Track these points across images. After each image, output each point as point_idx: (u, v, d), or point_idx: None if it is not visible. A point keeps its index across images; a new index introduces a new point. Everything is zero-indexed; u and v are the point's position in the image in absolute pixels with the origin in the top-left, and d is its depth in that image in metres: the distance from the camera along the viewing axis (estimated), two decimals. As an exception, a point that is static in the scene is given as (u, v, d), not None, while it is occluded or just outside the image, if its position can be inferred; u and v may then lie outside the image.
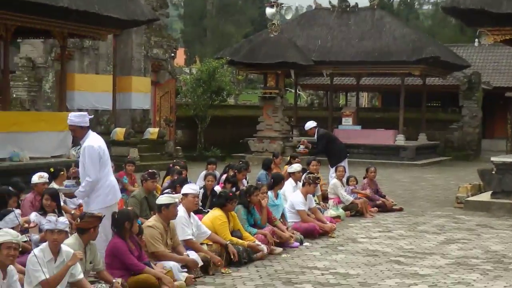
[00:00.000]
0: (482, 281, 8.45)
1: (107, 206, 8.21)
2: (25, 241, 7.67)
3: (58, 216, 7.04)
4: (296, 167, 13.30)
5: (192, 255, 8.44)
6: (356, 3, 30.00)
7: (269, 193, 11.07)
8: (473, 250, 10.44)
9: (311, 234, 11.20)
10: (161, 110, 27.04)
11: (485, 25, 14.87)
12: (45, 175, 10.32)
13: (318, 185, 12.86)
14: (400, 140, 27.81)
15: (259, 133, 27.80)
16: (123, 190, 12.76)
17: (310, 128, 15.62)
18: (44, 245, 6.76)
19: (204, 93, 27.83)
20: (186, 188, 9.17)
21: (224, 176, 13.30)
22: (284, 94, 29.03)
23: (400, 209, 14.65)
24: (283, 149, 26.16)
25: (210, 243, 9.08)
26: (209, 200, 11.69)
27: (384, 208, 14.41)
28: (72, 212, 10.48)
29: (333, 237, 11.31)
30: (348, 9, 29.83)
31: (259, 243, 9.61)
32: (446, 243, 10.95)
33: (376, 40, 27.88)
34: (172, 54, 28.06)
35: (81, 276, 6.75)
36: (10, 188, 9.23)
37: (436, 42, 31.15)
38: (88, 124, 8.31)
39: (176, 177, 12.20)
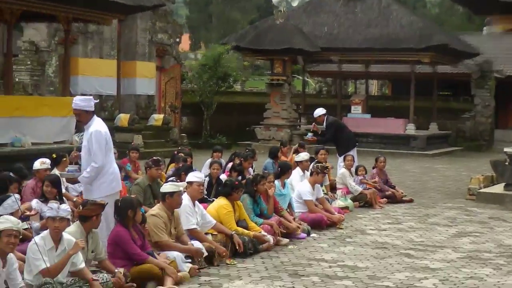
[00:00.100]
0: (495, 276, 8.36)
1: (111, 194, 8.15)
2: (25, 229, 7.61)
3: (59, 203, 6.98)
4: (303, 155, 13.25)
5: (197, 245, 8.39)
6: (363, -9, 29.80)
7: (276, 182, 11.02)
8: (486, 243, 10.36)
9: (318, 225, 11.14)
10: (166, 96, 26.99)
11: (493, 12, 14.73)
12: (47, 161, 10.27)
13: (326, 174, 12.79)
14: (411, 129, 27.69)
15: (266, 121, 27.72)
16: (127, 177, 12.75)
17: (319, 116, 15.52)
18: (45, 233, 6.72)
19: (210, 79, 27.78)
20: (191, 176, 9.12)
21: (230, 164, 13.28)
22: (292, 81, 28.93)
23: (410, 201, 14.58)
24: (290, 137, 26.08)
25: (215, 233, 9.04)
26: (214, 188, 11.67)
27: (393, 199, 14.34)
28: (74, 199, 10.44)
29: (341, 229, 11.26)
30: (354, -4, 29.66)
31: (265, 233, 9.57)
32: (457, 236, 10.87)
33: (384, 28, 27.71)
34: (177, 40, 27.98)
35: (83, 265, 6.71)
36: (11, 174, 9.18)
37: (444, 30, 30.94)
38: (93, 109, 8.25)
39: (181, 165, 12.14)
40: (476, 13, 18.36)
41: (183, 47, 44.77)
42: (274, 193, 10.54)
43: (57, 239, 6.64)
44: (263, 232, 9.55)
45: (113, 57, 24.03)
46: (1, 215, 6.63)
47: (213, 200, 10.34)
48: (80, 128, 10.66)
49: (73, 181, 8.32)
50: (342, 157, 14.82)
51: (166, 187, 8.40)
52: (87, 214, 7.07)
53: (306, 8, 30.46)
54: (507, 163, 15.01)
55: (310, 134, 15.67)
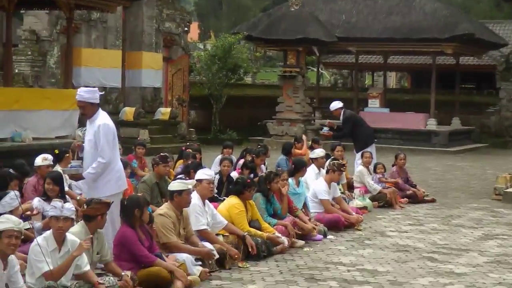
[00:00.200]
0: (524, 282, 8.29)
1: (118, 193, 8.12)
2: (27, 229, 7.59)
3: (63, 202, 6.95)
4: (318, 152, 13.21)
5: (207, 247, 8.35)
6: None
7: (290, 180, 10.97)
8: (514, 246, 10.29)
9: (335, 226, 11.10)
10: (174, 88, 26.99)
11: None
12: (49, 157, 10.25)
13: (343, 172, 12.74)
14: (432, 124, 27.59)
15: (279, 115, 27.69)
16: (133, 174, 12.74)
17: (336, 109, 15.44)
18: (48, 233, 6.70)
19: (220, 70, 27.74)
20: (201, 174, 9.08)
21: (241, 161, 13.27)
22: (306, 72, 28.88)
23: (433, 200, 14.51)
24: (304, 132, 26.00)
25: (226, 234, 9.01)
26: (225, 187, 11.65)
27: (415, 199, 14.28)
28: (78, 197, 10.41)
29: (360, 230, 11.21)
30: (375, -19, 29.55)
31: (279, 235, 9.54)
32: (484, 239, 10.80)
33: (405, 16, 27.60)
34: (186, 28, 27.95)
35: (88, 267, 6.69)
36: (11, 170, 9.16)
37: (470, 18, 30.78)
38: (98, 101, 8.19)
39: (190, 162, 12.12)
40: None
41: (192, 36, 44.77)
42: (288, 192, 10.50)
43: (60, 240, 6.62)
44: (277, 234, 9.51)
45: (118, 47, 24.03)
46: (0, 214, 6.62)
47: (224, 199, 10.32)
48: (83, 122, 10.62)
49: (77, 178, 8.19)
50: (360, 153, 14.75)
51: (174, 185, 8.37)
52: (92, 213, 7.04)
53: (322, -7, 30.39)
54: (535, 161, 14.89)
55: (325, 129, 15.60)
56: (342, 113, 15.39)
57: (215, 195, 10.97)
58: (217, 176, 11.59)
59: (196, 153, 13.33)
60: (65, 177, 9.76)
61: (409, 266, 8.88)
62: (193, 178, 9.24)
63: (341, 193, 12.66)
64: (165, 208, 8.36)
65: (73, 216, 6.76)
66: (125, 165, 10.84)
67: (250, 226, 9.33)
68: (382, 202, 13.63)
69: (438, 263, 9.11)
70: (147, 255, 7.41)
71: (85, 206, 7.15)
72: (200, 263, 8.09)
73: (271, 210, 10.18)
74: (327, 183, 11.61)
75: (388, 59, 32.88)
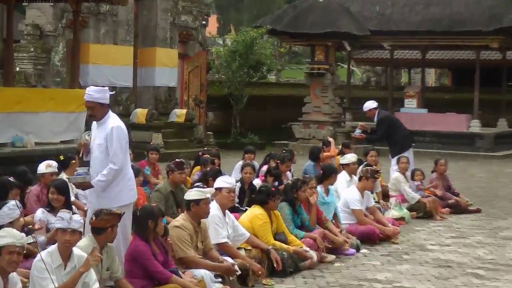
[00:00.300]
0: None
1: (130, 203, 8.10)
2: (30, 243, 7.59)
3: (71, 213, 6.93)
4: (350, 157, 13.20)
5: (228, 261, 8.34)
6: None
7: (318, 188, 10.94)
8: None
9: (369, 238, 11.09)
10: (190, 88, 27.04)
11: None
12: (54, 164, 10.28)
13: (378, 179, 12.68)
14: (475, 126, 27.44)
15: (305, 117, 27.68)
16: (145, 182, 12.75)
17: (370, 110, 15.39)
18: (53, 247, 6.69)
19: (241, 68, 27.77)
20: (220, 181, 9.08)
21: (265, 167, 13.28)
22: (335, 70, 28.82)
23: (477, 211, 14.44)
24: (333, 135, 25.94)
25: (249, 247, 9.00)
26: (247, 196, 11.67)
27: (457, 209, 14.24)
28: (85, 208, 10.42)
29: (396, 243, 11.18)
30: (412, -31, 29.45)
31: (307, 248, 9.53)
32: (534, 253, 10.73)
33: (446, 6, 27.48)
34: (203, 22, 28.01)
35: (96, 285, 6.68)
36: (11, 179, 9.18)
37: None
38: (108, 102, 8.16)
39: (208, 168, 12.11)
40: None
41: (210, 31, 44.81)
42: (316, 201, 10.46)
43: (66, 255, 6.61)
44: (304, 247, 9.50)
45: (130, 43, 24.12)
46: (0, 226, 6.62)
47: (246, 210, 10.30)
48: (90, 125, 10.61)
49: (84, 186, 8.09)
50: (396, 159, 14.69)
51: (191, 194, 8.37)
52: (102, 225, 7.03)
53: (354, -17, 30.35)
54: None
55: (358, 131, 15.54)
56: (376, 114, 15.33)
57: (236, 205, 10.96)
58: (238, 184, 11.58)
59: (215, 159, 13.34)
60: (71, 185, 9.76)
61: (451, 284, 8.82)
62: (212, 186, 9.24)
63: (375, 202, 12.63)
64: (181, 219, 8.35)
65: (81, 229, 6.77)
66: (137, 172, 10.89)
67: (275, 239, 9.31)
68: (421, 212, 13.58)
69: (485, 280, 9.06)
70: (162, 271, 7.39)
71: (94, 218, 7.14)
72: (220, 279, 8.06)
73: (298, 222, 10.17)
74: (359, 191, 11.58)
75: (427, 55, 32.76)
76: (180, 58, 26.35)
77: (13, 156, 14.42)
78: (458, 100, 31.82)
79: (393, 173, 14.50)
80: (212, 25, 56.43)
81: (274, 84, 37.96)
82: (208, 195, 8.42)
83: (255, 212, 9.46)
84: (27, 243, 6.65)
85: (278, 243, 9.23)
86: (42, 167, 10.12)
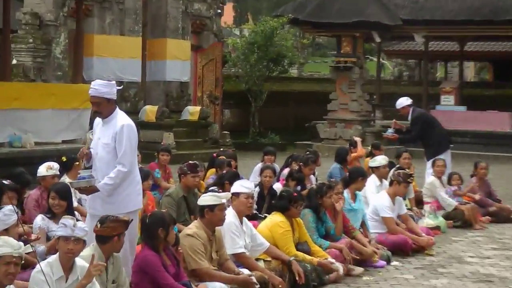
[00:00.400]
0: None
1: (137, 209, 8.12)
2: (28, 253, 7.61)
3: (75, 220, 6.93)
4: (380, 160, 13.17)
5: (245, 273, 8.34)
6: None
7: (345, 193, 10.93)
8: None
9: (401, 249, 11.07)
10: (204, 83, 27.07)
11: None
12: (55, 165, 10.32)
13: (411, 184, 12.65)
14: (520, 125, 27.31)
15: (331, 115, 27.66)
16: (155, 186, 12.80)
17: (403, 107, 15.37)
18: (53, 258, 6.71)
19: (259, 61, 27.80)
20: (238, 186, 9.09)
21: (286, 170, 13.29)
22: (364, 63, 28.77)
23: (522, 219, 14.38)
24: (362, 135, 25.90)
25: (269, 258, 9.01)
26: (266, 201, 11.67)
27: (499, 217, 14.17)
28: (89, 214, 10.47)
29: (431, 255, 11.15)
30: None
31: (333, 260, 9.52)
32: None
33: (487, -7, 27.37)
34: (219, 11, 28.05)
35: (101, 299, 6.71)
36: (6, 181, 9.20)
37: None
38: (116, 97, 8.18)
39: (224, 171, 12.12)
40: None
41: (226, 20, 44.88)
42: (342, 208, 10.45)
43: (68, 266, 6.63)
44: (330, 259, 9.49)
45: (138, 33, 24.18)
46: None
47: (266, 217, 10.30)
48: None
49: (89, 191, 8.05)
50: (431, 161, 14.64)
51: (205, 199, 8.38)
52: (107, 233, 7.04)
53: (384, -33, 30.29)
54: None
55: (390, 131, 15.50)
56: (410, 112, 15.29)
57: (255, 211, 10.97)
58: (257, 189, 11.59)
59: (231, 160, 13.35)
60: (74, 190, 9.77)
61: (492, 300, 8.81)
62: (228, 191, 9.25)
63: (408, 209, 12.60)
64: (194, 227, 8.36)
65: (85, 238, 6.77)
66: (147, 175, 10.93)
67: (298, 249, 9.31)
68: (459, 220, 13.54)
69: (530, 296, 9.03)
70: (173, 284, 7.41)
71: (99, 225, 7.15)
72: (236, 294, 8.08)
73: (323, 230, 10.16)
74: (390, 197, 11.55)
75: (465, 46, 32.63)
76: (193, 50, 26.39)
77: (11, 157, 14.51)
78: (500, 96, 31.70)
79: (428, 177, 14.46)
80: (228, 14, 56.51)
81: (296, 78, 38.01)
82: (224, 201, 8.43)
83: (275, 219, 9.45)
84: (25, 253, 6.67)
85: (300, 254, 9.22)
86: (43, 169, 10.15)
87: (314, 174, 13.69)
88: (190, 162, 11.07)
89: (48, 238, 8.55)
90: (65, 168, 11.08)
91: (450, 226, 13.31)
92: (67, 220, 6.74)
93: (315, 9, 27.40)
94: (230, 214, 8.72)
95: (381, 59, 35.59)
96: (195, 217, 9.16)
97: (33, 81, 20.40)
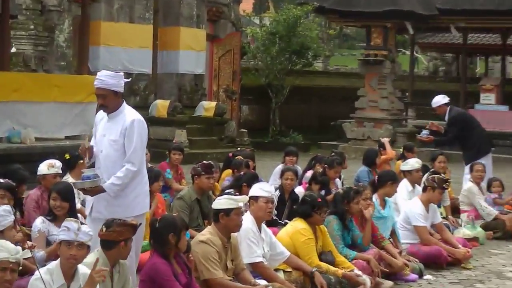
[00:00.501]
0: None
1: (144, 213, 8.12)
2: (26, 258, 7.61)
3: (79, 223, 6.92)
4: (413, 163, 13.14)
5: (263, 285, 8.34)
6: None
7: (373, 199, 10.90)
8: None
9: (435, 262, 11.04)
10: (220, 76, 27.11)
11: None
12: (57, 163, 10.33)
13: (446, 191, 12.60)
14: None
15: (359, 113, 27.65)
16: (166, 188, 12.80)
17: (440, 106, 15.29)
18: (54, 264, 6.71)
19: (281, 53, 27.81)
20: (256, 189, 9.09)
21: (309, 173, 13.29)
22: (396, 57, 28.72)
23: None
24: (393, 136, 25.86)
25: (289, 269, 9.01)
26: (287, 206, 11.67)
27: (544, 228, 14.08)
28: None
29: (468, 269, 11.10)
30: None
31: (359, 272, 9.49)
32: None
33: (534, -21, 27.26)
34: (237, -3, 28.10)
35: (106, 310, 6.71)
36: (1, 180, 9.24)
37: None
38: (123, 90, 8.16)
39: (242, 173, 12.12)
40: None
41: (245, 8, 44.90)
42: (372, 216, 10.43)
43: (70, 273, 6.63)
44: (356, 270, 9.46)
45: (149, 21, 24.21)
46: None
47: (286, 223, 10.31)
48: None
49: (94, 192, 8.02)
50: (469, 166, 14.57)
51: (221, 203, 8.37)
52: (113, 238, 7.03)
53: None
54: None
55: (425, 132, 15.42)
56: (447, 111, 15.22)
57: (275, 217, 10.96)
58: (277, 193, 11.57)
59: (249, 161, 13.35)
60: (78, 191, 9.77)
61: (535, 319, 8.76)
62: (246, 194, 9.23)
63: (443, 218, 12.59)
64: (208, 233, 8.35)
65: (90, 243, 6.76)
66: (157, 176, 10.91)
67: (321, 260, 9.30)
68: (499, 231, 13.48)
69: None
70: (184, 295, 7.42)
71: (104, 229, 7.14)
72: (253, 307, 8.09)
73: (349, 239, 10.15)
74: (424, 204, 11.52)
75: (508, 39, 32.50)
76: (208, 40, 26.40)
77: (9, 153, 14.52)
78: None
79: (465, 183, 14.39)
80: (247, 1, 56.49)
81: (321, 73, 37.97)
82: (241, 204, 8.40)
83: (297, 226, 9.44)
84: (23, 258, 6.68)
85: (324, 265, 9.20)
86: (43, 168, 10.17)
87: (339, 177, 13.66)
88: (204, 162, 11.08)
89: (48, 243, 8.56)
90: (68, 166, 11.11)
91: (490, 238, 13.24)
92: (70, 223, 6.72)
93: (343, -3, 27.39)
94: (248, 220, 8.72)
95: (414, 53, 35.52)
96: (209, 222, 9.17)
97: (34, 71, 20.48)
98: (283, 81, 28.15)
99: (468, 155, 14.99)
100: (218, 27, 27.52)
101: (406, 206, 11.76)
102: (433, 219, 11.66)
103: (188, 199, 10.53)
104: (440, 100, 15.33)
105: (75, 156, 11.19)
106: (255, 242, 8.70)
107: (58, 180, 9.94)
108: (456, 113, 15.34)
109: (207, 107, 24.63)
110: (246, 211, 8.78)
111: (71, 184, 9.23)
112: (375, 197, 11.08)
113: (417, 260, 10.71)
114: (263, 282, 8.43)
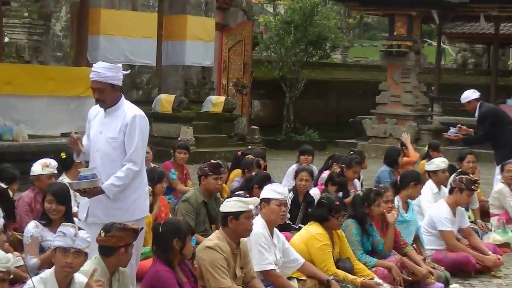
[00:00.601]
0: None
1: (144, 217, 8.12)
2: (18, 266, 7.63)
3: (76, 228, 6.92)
4: (439, 162, 13.13)
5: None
6: None
7: (395, 201, 10.88)
8: None
9: (462, 270, 11.04)
10: (230, 68, 27.13)
11: None
12: (52, 163, 10.35)
13: (475, 192, 12.58)
14: None
15: (380, 109, 27.66)
16: (170, 189, 12.82)
17: (469, 101, 15.24)
18: (48, 272, 6.72)
19: (296, 44, 27.84)
20: (268, 191, 9.10)
21: (326, 173, 13.28)
22: (421, 48, 28.70)
23: None
24: (417, 134, 25.84)
25: (304, 277, 9.03)
26: (302, 210, 11.68)
27: None
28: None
29: (499, 277, 11.10)
30: None
31: (380, 281, 9.51)
32: None
33: None
34: (249, -17, 28.12)
35: (105, 321, 6.72)
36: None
37: None
38: (121, 83, 8.15)
39: (254, 173, 12.11)
40: None
41: (257, -5, 44.93)
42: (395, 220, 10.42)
43: (65, 282, 6.64)
44: (376, 279, 9.48)
45: (153, 8, 24.24)
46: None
47: (301, 228, 10.31)
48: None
49: (92, 193, 7.98)
50: (500, 166, 14.54)
51: (229, 205, 8.37)
52: (113, 244, 7.04)
53: None
54: None
55: (452, 130, 15.40)
56: (478, 107, 15.18)
57: (288, 221, 10.95)
58: (291, 195, 11.56)
59: (260, 160, 13.34)
60: (74, 193, 9.77)
61: None
62: (257, 196, 9.22)
63: (471, 222, 12.58)
64: (215, 238, 8.36)
65: (87, 250, 6.75)
66: (161, 176, 10.91)
67: (338, 267, 9.31)
68: (532, 237, 13.44)
69: None
70: (189, 305, 7.43)
71: (102, 234, 7.14)
72: (264, 318, 8.11)
73: (369, 245, 10.17)
74: (450, 207, 11.50)
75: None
76: (217, 29, 26.41)
77: (0, 151, 14.54)
78: None
79: (496, 184, 14.36)
80: (260, -12, 56.58)
81: (339, 65, 37.96)
82: (252, 207, 8.39)
83: (312, 231, 9.45)
84: (15, 267, 6.68)
85: (341, 272, 9.21)
86: (37, 168, 10.17)
87: (358, 178, 13.70)
88: (212, 161, 11.08)
89: (42, 249, 8.56)
90: (64, 166, 11.10)
91: (522, 244, 13.25)
92: (67, 228, 6.70)
93: (364, -18, 27.43)
94: (259, 224, 8.72)
95: (441, 44, 35.47)
96: (217, 227, 9.17)
97: (28, 63, 20.50)
98: (298, 74, 28.17)
99: (499, 154, 14.94)
100: (228, 15, 27.53)
101: (431, 209, 11.77)
102: (461, 223, 11.64)
103: (194, 201, 10.53)
104: (469, 95, 15.27)
105: (71, 155, 11.17)
106: (266, 248, 8.71)
107: (53, 181, 9.93)
108: (486, 109, 15.29)
109: (215, 102, 24.65)
110: (257, 214, 8.78)
111: (68, 185, 9.21)
112: (397, 200, 11.08)
113: (442, 267, 10.70)
114: (275, 291, 8.47)
